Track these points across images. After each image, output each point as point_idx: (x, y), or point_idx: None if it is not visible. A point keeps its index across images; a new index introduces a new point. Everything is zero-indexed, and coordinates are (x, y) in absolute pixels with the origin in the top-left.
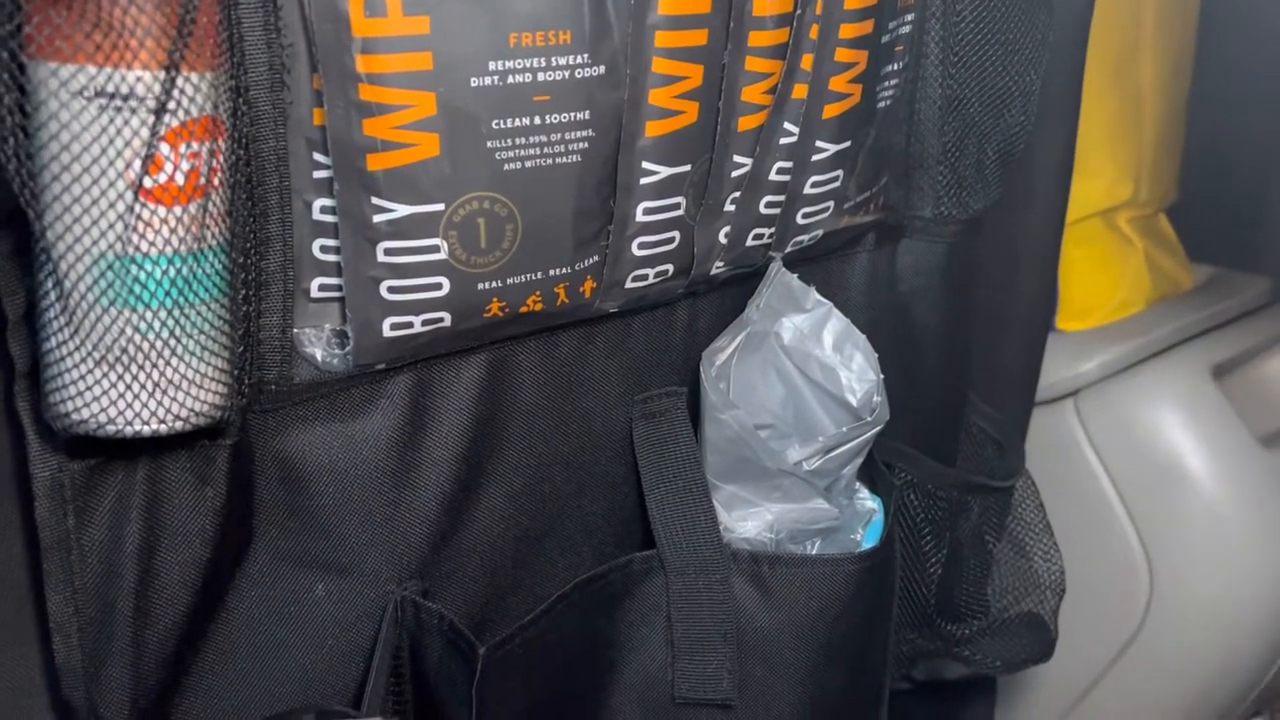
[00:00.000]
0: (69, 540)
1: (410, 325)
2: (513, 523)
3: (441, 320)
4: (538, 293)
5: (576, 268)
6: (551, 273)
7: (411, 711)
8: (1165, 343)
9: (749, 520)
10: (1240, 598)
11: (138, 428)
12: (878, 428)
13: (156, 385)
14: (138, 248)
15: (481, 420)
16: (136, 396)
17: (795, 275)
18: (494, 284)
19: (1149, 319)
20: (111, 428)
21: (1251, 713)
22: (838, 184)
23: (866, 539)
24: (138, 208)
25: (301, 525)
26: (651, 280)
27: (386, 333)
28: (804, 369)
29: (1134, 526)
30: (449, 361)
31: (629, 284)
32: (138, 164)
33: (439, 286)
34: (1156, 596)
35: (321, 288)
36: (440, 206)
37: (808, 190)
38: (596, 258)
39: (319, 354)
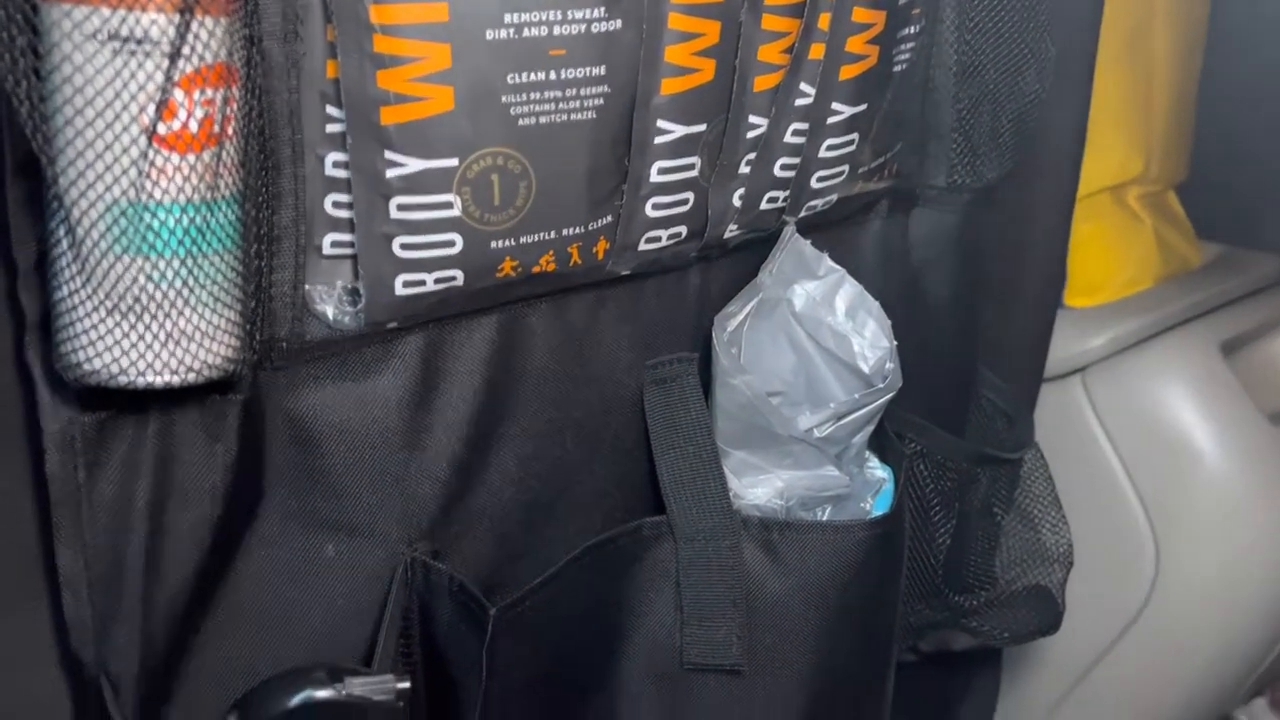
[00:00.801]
0: (79, 495)
1: (423, 283)
2: (523, 486)
3: (454, 279)
4: (551, 252)
5: (590, 227)
6: (565, 232)
7: (421, 673)
8: (1174, 319)
9: (759, 487)
10: (1246, 574)
11: (149, 379)
12: (889, 395)
13: (169, 335)
14: (151, 195)
15: (493, 383)
16: (149, 347)
17: (808, 241)
18: (507, 242)
19: (1157, 296)
20: (123, 378)
21: (1253, 693)
22: (853, 148)
23: (876, 507)
24: (151, 154)
25: (312, 485)
26: (665, 242)
27: (399, 290)
28: (815, 336)
29: (1140, 502)
30: (461, 322)
31: (642, 245)
32: (152, 109)
33: (451, 244)
34: (1162, 572)
35: (334, 244)
36: (454, 162)
37: (823, 153)
38: (610, 218)
39: (330, 311)
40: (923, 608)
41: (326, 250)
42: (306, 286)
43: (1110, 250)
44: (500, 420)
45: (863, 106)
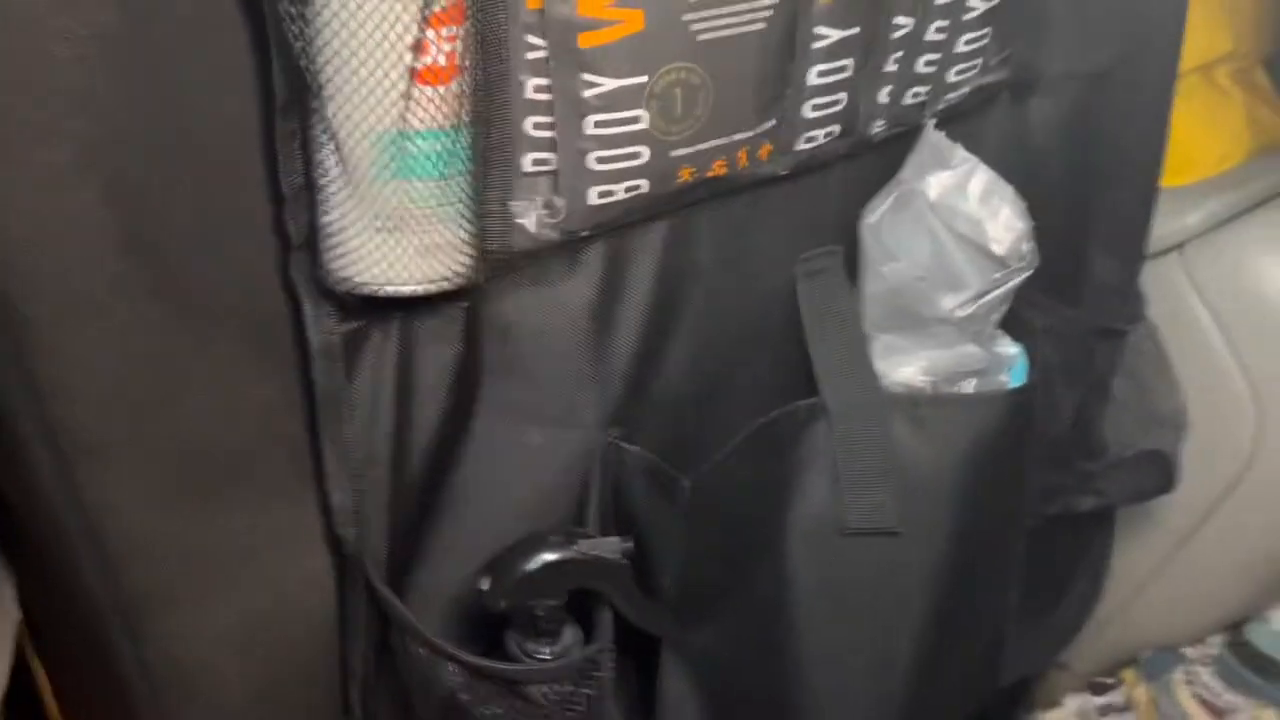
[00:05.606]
0: (339, 396)
1: (613, 194)
2: (695, 375)
3: (640, 187)
4: (723, 158)
5: (757, 131)
6: (735, 137)
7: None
8: (1268, 192)
9: (905, 366)
10: None
11: (411, 287)
12: (1028, 273)
13: (425, 248)
14: (411, 124)
15: (665, 282)
16: (410, 258)
17: (942, 134)
18: (686, 150)
19: (1250, 170)
20: (389, 288)
21: None
22: (986, 41)
23: (1012, 380)
24: (411, 87)
25: (517, 380)
26: (820, 141)
27: (592, 201)
28: (950, 224)
29: (1241, 372)
30: (639, 228)
31: (800, 145)
32: (410, 46)
33: (639, 156)
34: (1264, 435)
35: (534, 162)
36: (643, 79)
37: (960, 48)
38: (774, 121)
39: (531, 224)
40: (1050, 473)
41: (526, 169)
42: (511, 202)
43: (1201, 128)
44: (673, 316)
45: (995, 0)
